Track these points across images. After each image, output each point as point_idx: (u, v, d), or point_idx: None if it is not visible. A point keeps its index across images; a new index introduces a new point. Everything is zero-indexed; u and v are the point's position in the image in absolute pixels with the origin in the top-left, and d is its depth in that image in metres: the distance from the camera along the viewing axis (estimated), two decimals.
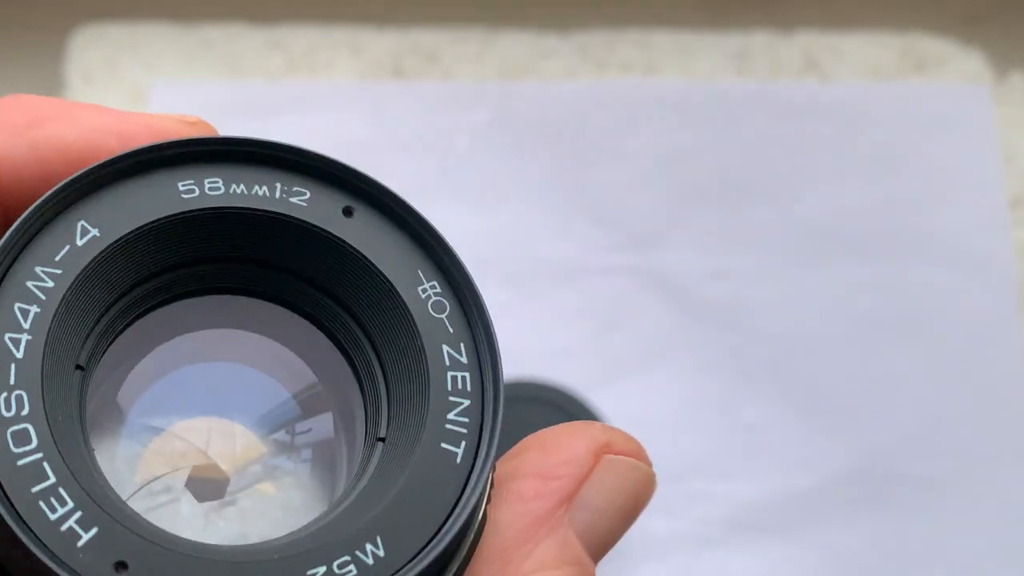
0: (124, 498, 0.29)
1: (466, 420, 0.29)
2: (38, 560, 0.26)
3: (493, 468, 0.29)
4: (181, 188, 0.30)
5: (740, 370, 0.71)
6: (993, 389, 0.71)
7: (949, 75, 0.78)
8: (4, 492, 0.26)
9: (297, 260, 0.31)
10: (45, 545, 0.26)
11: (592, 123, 0.76)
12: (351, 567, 0.27)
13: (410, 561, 0.27)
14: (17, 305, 0.28)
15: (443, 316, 0.30)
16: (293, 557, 0.27)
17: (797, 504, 0.69)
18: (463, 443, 0.29)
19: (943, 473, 0.69)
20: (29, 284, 0.28)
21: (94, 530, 0.26)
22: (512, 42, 0.78)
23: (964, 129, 0.76)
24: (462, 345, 0.30)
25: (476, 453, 0.29)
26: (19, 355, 0.27)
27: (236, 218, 0.30)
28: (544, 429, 0.31)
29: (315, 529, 0.28)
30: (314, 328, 0.31)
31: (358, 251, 0.30)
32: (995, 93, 0.77)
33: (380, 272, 0.30)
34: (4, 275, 0.28)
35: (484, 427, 0.29)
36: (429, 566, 0.28)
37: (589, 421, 0.32)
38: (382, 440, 0.30)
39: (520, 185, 0.74)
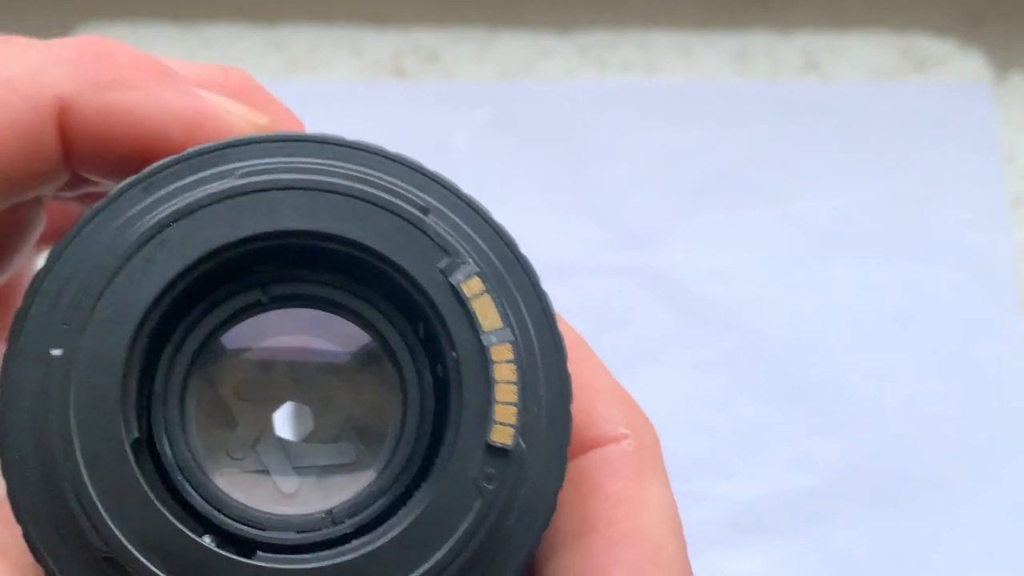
0: None
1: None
2: None
3: None
4: None
5: (739, 370, 0.71)
6: (993, 389, 0.71)
7: (949, 75, 0.77)
8: None
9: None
10: None
11: (592, 123, 0.76)
12: None
13: None
14: None
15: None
16: None
17: (797, 504, 0.69)
18: None
19: (943, 472, 0.69)
20: None
21: None
22: (512, 42, 0.78)
23: (964, 129, 0.76)
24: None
25: None
26: None
27: None
28: None
29: None
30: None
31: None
32: (995, 93, 0.77)
33: None
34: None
35: None
36: None
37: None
38: None
39: (520, 185, 0.74)
